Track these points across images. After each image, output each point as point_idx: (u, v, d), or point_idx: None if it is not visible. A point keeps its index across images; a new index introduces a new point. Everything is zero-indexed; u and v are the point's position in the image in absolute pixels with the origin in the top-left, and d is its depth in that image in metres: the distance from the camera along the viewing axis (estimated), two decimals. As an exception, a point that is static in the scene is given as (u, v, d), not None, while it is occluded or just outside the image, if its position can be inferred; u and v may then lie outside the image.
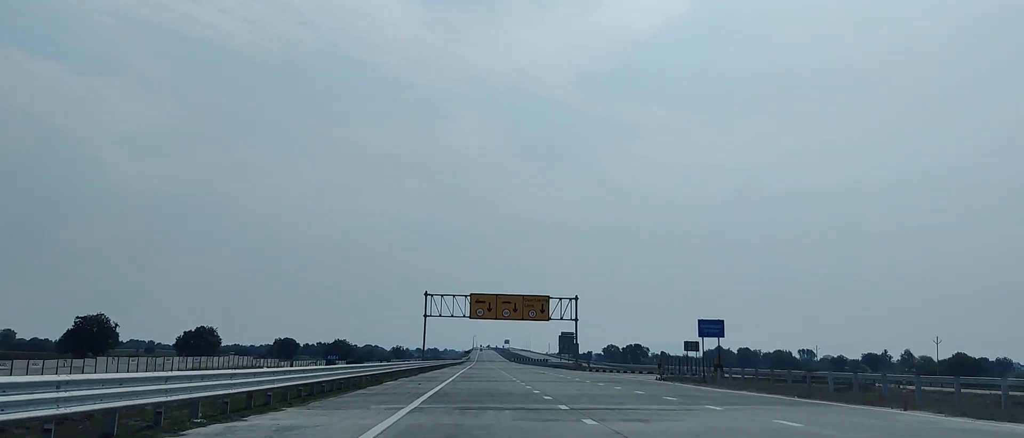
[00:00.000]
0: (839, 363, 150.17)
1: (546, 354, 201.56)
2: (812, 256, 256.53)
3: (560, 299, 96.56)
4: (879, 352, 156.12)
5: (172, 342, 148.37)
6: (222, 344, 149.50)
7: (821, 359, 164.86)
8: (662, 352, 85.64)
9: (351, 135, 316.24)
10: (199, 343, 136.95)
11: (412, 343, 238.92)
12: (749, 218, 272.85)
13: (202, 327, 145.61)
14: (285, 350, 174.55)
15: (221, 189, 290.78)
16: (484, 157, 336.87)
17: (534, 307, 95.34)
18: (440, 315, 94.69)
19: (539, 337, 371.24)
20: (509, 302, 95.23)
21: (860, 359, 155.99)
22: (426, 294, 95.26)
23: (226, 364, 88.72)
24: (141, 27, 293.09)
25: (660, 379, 54.25)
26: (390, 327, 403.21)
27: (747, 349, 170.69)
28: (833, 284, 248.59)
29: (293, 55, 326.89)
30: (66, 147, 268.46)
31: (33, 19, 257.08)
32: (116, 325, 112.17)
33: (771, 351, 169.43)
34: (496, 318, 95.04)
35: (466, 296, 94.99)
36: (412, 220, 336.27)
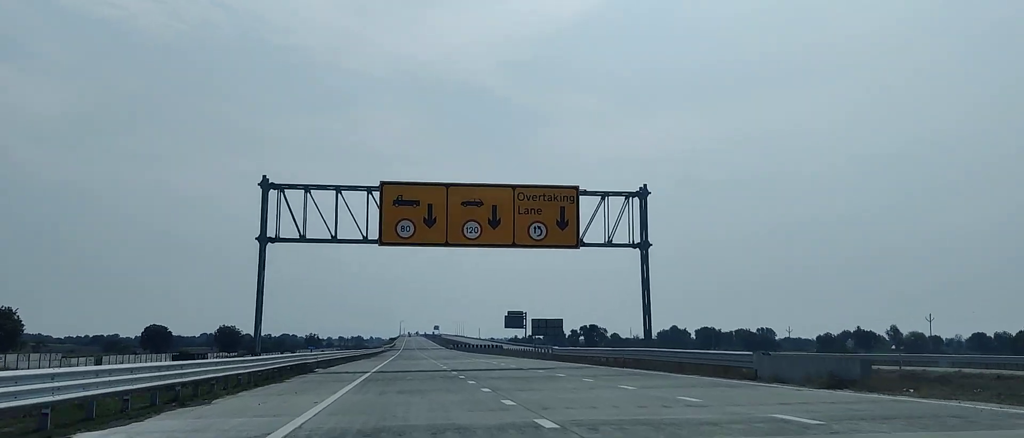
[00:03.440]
0: (828, 342, 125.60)
1: (496, 339, 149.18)
2: (756, 243, 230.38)
3: (604, 196, 39.50)
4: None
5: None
6: (25, 331, 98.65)
7: (796, 339, 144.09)
8: None
9: (265, 122, 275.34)
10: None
11: (335, 332, 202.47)
12: (683, 207, 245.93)
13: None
14: (154, 340, 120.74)
15: (127, 178, 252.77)
16: (406, 145, 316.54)
17: (544, 216, 38.23)
18: (303, 238, 37.25)
19: (472, 322, 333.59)
20: (480, 203, 37.98)
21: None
22: (265, 184, 37.51)
23: None
24: (42, 6, 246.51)
25: None
26: (317, 318, 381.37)
27: (710, 328, 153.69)
28: (776, 271, 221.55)
29: (207, 38, 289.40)
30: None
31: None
32: None
33: (732, 330, 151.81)
34: (447, 243, 37.81)
35: (372, 191, 37.72)
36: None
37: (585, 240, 38.81)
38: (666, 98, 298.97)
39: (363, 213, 37.44)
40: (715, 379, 23.27)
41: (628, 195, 39.65)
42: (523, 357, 68.88)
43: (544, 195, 38.46)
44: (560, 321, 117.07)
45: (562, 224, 38.23)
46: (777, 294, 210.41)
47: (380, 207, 37.20)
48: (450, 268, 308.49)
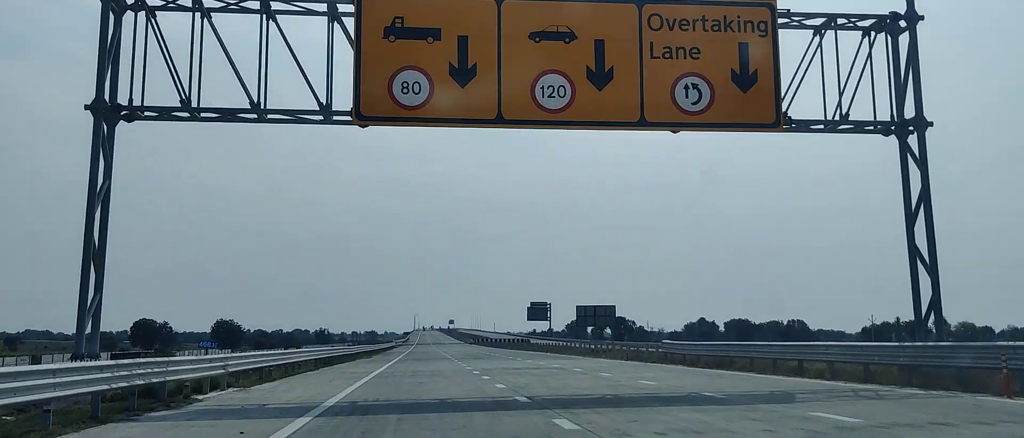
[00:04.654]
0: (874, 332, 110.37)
1: (514, 332, 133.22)
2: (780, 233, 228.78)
3: (823, 28, 18.94)
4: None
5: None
6: None
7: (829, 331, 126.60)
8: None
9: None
10: None
11: (350, 327, 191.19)
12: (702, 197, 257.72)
13: None
14: (144, 334, 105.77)
15: (146, 176, 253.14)
16: (426, 144, 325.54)
17: (705, 63, 17.73)
18: (190, 107, 17.39)
19: (488, 315, 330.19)
20: (572, 37, 17.59)
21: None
22: (104, -11, 17.63)
23: None
24: (58, 3, 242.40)
25: None
26: (336, 315, 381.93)
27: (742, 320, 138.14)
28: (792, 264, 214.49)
29: (227, 29, 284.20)
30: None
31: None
32: None
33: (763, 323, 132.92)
34: (501, 118, 17.50)
35: (341, 14, 17.58)
36: (351, 205, 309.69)
37: (791, 114, 18.36)
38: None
39: (321, 61, 17.50)
40: None
41: (873, 26, 19.03)
42: (592, 356, 48.68)
43: (705, 19, 17.95)
44: (612, 308, 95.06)
45: (745, 80, 17.71)
46: (795, 287, 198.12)
47: (357, 44, 17.06)
48: (465, 246, 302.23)
